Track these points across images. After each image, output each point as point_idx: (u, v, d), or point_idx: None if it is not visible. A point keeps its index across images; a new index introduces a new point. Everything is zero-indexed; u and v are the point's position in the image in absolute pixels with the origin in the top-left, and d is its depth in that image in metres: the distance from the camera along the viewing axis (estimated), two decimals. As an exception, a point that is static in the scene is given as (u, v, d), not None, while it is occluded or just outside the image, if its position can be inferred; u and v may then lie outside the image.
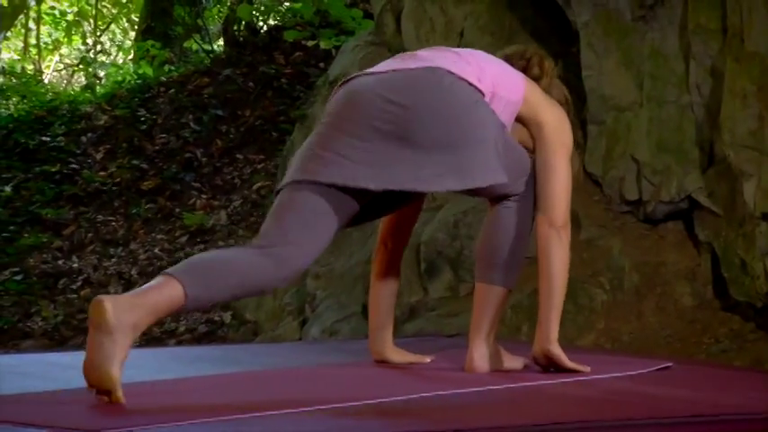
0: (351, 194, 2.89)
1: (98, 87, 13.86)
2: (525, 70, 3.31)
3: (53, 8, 19.45)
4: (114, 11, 20.12)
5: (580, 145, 6.88)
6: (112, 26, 20.56)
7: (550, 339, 3.13)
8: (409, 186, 2.91)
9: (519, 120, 3.20)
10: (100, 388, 2.42)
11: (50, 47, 20.76)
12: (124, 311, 2.46)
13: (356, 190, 2.89)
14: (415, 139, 2.89)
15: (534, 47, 3.57)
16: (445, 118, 2.92)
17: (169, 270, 2.64)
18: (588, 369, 3.17)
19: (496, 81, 3.10)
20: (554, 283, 3.13)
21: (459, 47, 7.61)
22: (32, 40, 20.08)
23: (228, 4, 14.43)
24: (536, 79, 3.31)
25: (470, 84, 2.99)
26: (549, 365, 3.14)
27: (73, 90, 15.32)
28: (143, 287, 2.59)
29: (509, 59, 3.34)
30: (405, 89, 2.95)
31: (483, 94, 3.02)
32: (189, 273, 2.63)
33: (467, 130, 2.94)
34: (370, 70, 3.12)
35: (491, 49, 7.10)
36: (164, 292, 2.56)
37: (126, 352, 2.46)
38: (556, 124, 3.21)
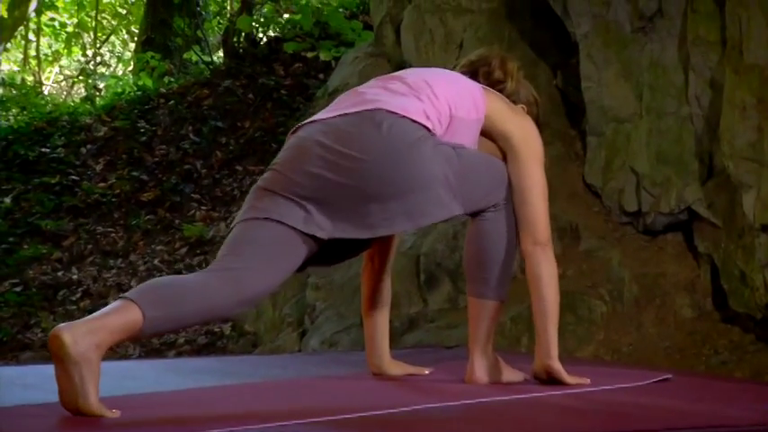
0: (304, 235, 2.86)
1: (98, 99, 13.87)
2: (488, 75, 3.29)
3: (53, 20, 19.46)
4: (114, 22, 20.14)
5: (579, 156, 6.91)
6: (112, 38, 20.58)
7: (551, 355, 3.12)
8: (357, 234, 2.88)
9: (484, 134, 3.16)
10: (85, 416, 2.42)
11: (50, 58, 20.78)
12: (83, 337, 2.43)
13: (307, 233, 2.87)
14: (358, 187, 2.85)
15: (497, 49, 3.52)
16: (386, 167, 2.87)
17: (126, 294, 2.60)
18: (588, 381, 3.17)
19: (454, 104, 3.05)
20: (547, 302, 3.13)
21: (458, 58, 7.64)
22: (32, 52, 20.09)
23: (228, 15, 14.46)
24: (500, 82, 3.29)
25: (413, 121, 2.93)
26: (550, 381, 3.13)
27: (73, 101, 15.32)
28: (101, 311, 2.54)
29: (473, 65, 3.32)
30: (345, 137, 2.90)
31: (429, 129, 2.95)
32: (146, 296, 2.58)
33: (409, 175, 2.88)
34: (315, 117, 3.05)
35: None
36: (121, 315, 2.52)
37: (96, 374, 2.44)
38: (523, 133, 3.17)
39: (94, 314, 2.53)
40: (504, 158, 3.19)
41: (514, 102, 3.30)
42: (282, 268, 2.84)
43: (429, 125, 2.96)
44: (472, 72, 3.32)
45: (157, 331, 2.62)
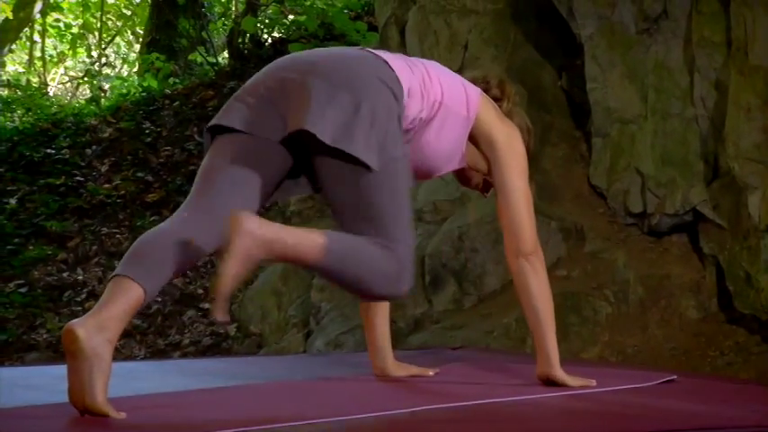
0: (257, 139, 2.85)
1: (103, 100, 13.89)
2: (486, 92, 3.23)
3: (58, 21, 19.48)
4: (119, 23, 20.15)
5: (584, 157, 6.91)
6: (117, 39, 20.59)
7: (551, 365, 3.11)
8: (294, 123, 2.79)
9: (471, 139, 3.13)
10: (91, 414, 2.42)
11: (55, 59, 20.80)
12: (96, 333, 2.44)
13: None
14: (306, 79, 2.82)
15: (498, 71, 3.52)
16: (338, 65, 2.85)
17: (119, 271, 2.58)
18: (593, 383, 3.16)
19: (446, 91, 3.01)
20: (540, 315, 3.11)
21: (463, 59, 7.65)
22: (37, 53, 20.10)
23: (233, 16, 14.47)
24: (496, 100, 3.25)
25: (393, 71, 2.89)
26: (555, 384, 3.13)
27: (78, 103, 15.33)
28: (103, 300, 2.53)
29: (473, 80, 3.26)
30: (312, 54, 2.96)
31: (401, 90, 2.87)
32: (137, 267, 2.57)
33: (355, 77, 2.82)
34: None
35: (496, 62, 7.16)
36: (125, 299, 2.51)
37: (107, 372, 2.44)
38: (508, 141, 3.14)
39: (99, 305, 2.51)
40: (489, 169, 3.18)
41: None
42: (254, 183, 2.82)
43: (405, 88, 2.88)
44: None
45: (154, 296, 2.62)
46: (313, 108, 2.74)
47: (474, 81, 3.26)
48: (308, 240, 2.60)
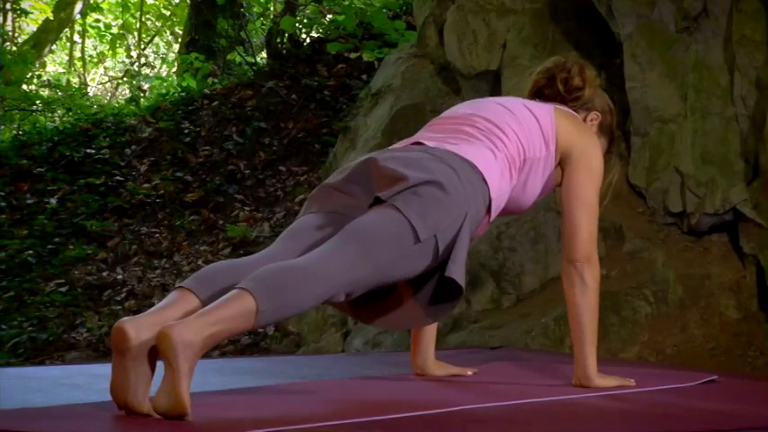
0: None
1: (142, 100, 13.98)
2: (567, 81, 3.30)
3: (98, 21, 19.62)
4: (158, 24, 20.26)
5: (623, 157, 6.89)
6: (156, 39, 20.71)
7: (588, 376, 3.10)
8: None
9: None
10: (132, 412, 2.43)
11: (95, 60, 20.95)
12: (146, 331, 2.44)
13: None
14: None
15: (575, 56, 3.55)
16: (429, 164, 2.90)
17: (185, 284, 2.61)
18: (633, 382, 3.16)
19: (525, 144, 3.09)
20: (581, 327, 3.10)
21: (501, 59, 7.63)
22: (77, 53, 20.26)
23: (272, 16, 14.51)
24: (578, 89, 3.30)
25: (478, 171, 2.95)
26: None
27: (117, 103, 15.45)
28: (160, 305, 2.56)
29: (550, 72, 3.34)
30: (404, 157, 2.96)
31: (489, 196, 2.96)
32: (202, 284, 2.61)
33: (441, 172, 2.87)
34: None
35: (534, 62, 7.13)
36: (179, 304, 2.55)
37: (150, 373, 2.46)
38: (584, 148, 3.16)
39: (155, 308, 2.54)
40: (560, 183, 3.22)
41: (588, 109, 3.35)
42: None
43: (493, 192, 2.96)
44: (549, 79, 3.35)
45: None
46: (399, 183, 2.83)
47: (552, 71, 3.33)
48: (241, 312, 2.49)
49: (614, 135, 3.48)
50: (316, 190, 3.03)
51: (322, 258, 2.66)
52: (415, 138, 3.12)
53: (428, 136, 3.10)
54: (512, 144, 3.06)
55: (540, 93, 3.37)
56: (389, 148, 3.11)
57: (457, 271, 2.80)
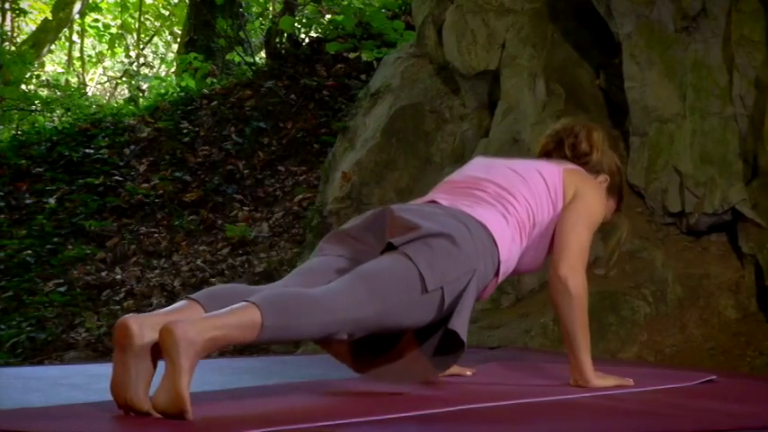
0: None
1: (141, 100, 13.98)
2: (574, 146, 3.40)
3: (97, 21, 19.62)
4: (157, 24, 20.27)
5: (622, 157, 6.88)
6: (155, 39, 20.72)
7: (586, 378, 3.13)
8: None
9: None
10: (131, 409, 2.43)
11: (94, 59, 20.96)
12: (149, 330, 2.45)
13: None
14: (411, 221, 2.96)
15: (582, 120, 3.62)
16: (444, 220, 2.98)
17: (195, 296, 2.65)
18: (631, 382, 3.17)
19: (534, 208, 3.19)
20: (571, 335, 3.12)
21: (500, 59, 7.64)
22: (76, 53, 20.26)
23: (270, 16, 14.51)
24: (585, 154, 3.39)
25: (490, 234, 3.04)
26: None
27: (116, 102, 15.46)
28: (170, 307, 2.59)
29: (558, 135, 3.43)
30: (419, 210, 3.05)
31: (499, 258, 3.05)
32: (209, 298, 2.64)
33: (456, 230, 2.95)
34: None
35: (533, 61, 7.13)
36: (182, 311, 2.57)
37: (151, 371, 2.47)
38: (587, 191, 3.27)
39: (160, 310, 2.57)
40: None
41: (597, 172, 3.43)
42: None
43: (503, 256, 3.06)
44: (557, 143, 3.45)
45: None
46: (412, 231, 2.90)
47: (560, 134, 3.44)
48: (246, 323, 2.52)
49: (623, 194, 3.58)
50: (329, 234, 3.11)
51: (330, 292, 2.70)
52: (430, 197, 3.21)
53: (442, 196, 3.19)
54: (522, 209, 3.16)
55: (549, 155, 3.46)
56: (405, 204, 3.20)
57: (461, 325, 2.85)
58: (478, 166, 3.36)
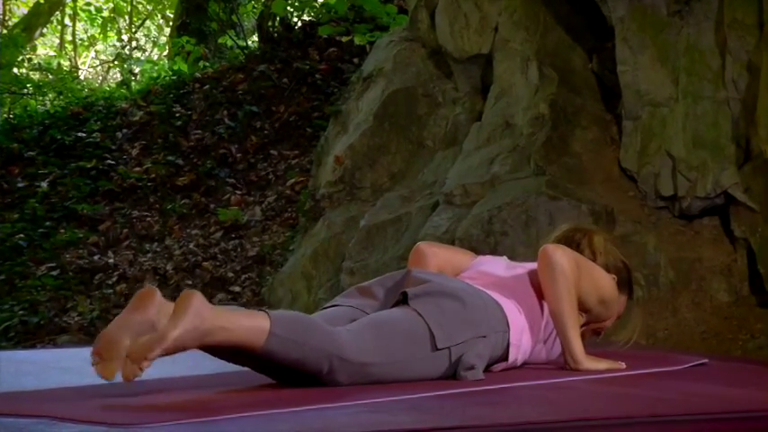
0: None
1: (133, 83, 13.95)
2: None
3: (89, 4, 19.58)
4: (149, 7, 20.22)
5: (615, 140, 6.90)
6: (147, 22, 20.67)
7: (577, 360, 3.12)
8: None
9: None
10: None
11: (86, 43, 20.90)
12: (164, 305, 2.48)
13: None
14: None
15: (581, 226, 3.62)
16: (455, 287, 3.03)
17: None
18: (623, 365, 3.17)
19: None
20: (557, 313, 3.13)
21: (493, 42, 7.64)
22: (68, 37, 20.22)
23: (263, 0, 14.47)
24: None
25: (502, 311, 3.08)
26: None
27: (108, 86, 15.43)
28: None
29: (560, 242, 3.39)
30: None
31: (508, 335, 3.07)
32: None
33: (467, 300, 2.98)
34: None
35: (526, 45, 7.13)
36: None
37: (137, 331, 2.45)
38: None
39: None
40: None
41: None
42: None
43: (519, 325, 3.10)
44: None
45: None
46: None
47: (562, 241, 3.38)
48: (255, 327, 2.54)
49: (633, 287, 3.56)
50: (347, 290, 3.19)
51: (341, 332, 2.72)
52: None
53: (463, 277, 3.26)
54: (536, 307, 3.18)
55: None
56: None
57: (472, 375, 2.88)
58: (495, 265, 3.40)
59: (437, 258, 3.41)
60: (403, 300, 2.92)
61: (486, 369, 3.00)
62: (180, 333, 2.37)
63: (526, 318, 3.14)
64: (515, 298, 3.16)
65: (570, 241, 3.39)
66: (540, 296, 3.19)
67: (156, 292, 2.50)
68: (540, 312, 3.20)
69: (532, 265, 3.31)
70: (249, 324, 2.51)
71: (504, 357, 3.08)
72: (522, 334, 3.12)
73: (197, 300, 2.43)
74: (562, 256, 3.11)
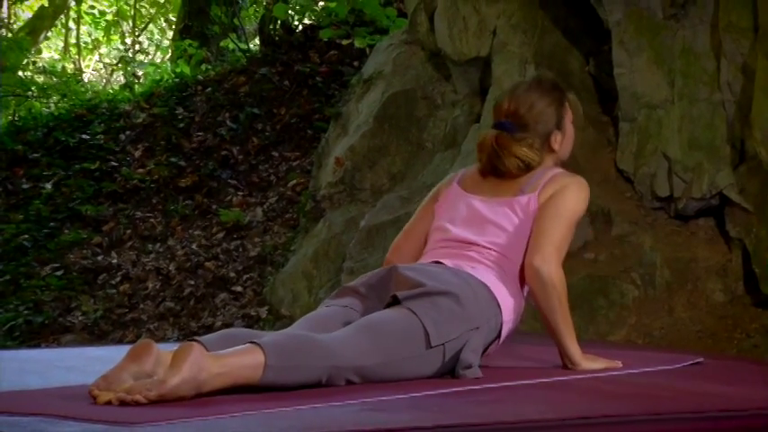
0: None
1: (136, 86, 13.96)
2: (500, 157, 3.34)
3: (93, 8, 19.58)
4: (152, 11, 20.24)
5: (611, 142, 6.94)
6: (150, 26, 20.68)
7: (574, 362, 3.16)
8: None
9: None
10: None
11: (90, 46, 20.91)
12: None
13: None
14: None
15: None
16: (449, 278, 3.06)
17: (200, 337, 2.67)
18: (620, 364, 3.21)
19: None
20: (552, 324, 3.15)
21: (491, 45, 7.67)
22: (72, 40, 20.23)
23: (264, 3, 14.50)
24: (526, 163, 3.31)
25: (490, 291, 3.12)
26: None
27: (112, 89, 15.44)
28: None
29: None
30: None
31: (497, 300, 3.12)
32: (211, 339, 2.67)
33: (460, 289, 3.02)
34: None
35: (524, 48, 7.16)
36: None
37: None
38: (562, 189, 3.26)
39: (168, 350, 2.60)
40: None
41: (548, 142, 3.40)
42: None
43: (508, 301, 3.16)
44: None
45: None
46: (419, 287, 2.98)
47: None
48: (249, 364, 2.56)
49: (563, 93, 3.49)
50: (338, 290, 3.20)
51: (335, 340, 2.75)
52: (433, 257, 3.25)
53: (444, 257, 3.23)
54: (517, 263, 3.21)
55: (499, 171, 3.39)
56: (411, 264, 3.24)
57: (471, 373, 2.94)
58: (463, 223, 3.33)
59: (407, 256, 3.42)
60: (395, 301, 2.95)
61: (483, 352, 3.06)
62: (178, 382, 2.40)
63: (513, 279, 3.20)
64: (497, 263, 3.20)
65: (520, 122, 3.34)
66: (518, 245, 3.22)
67: (152, 345, 2.53)
68: (519, 259, 3.22)
69: (494, 210, 3.30)
70: (244, 362, 2.54)
71: (498, 335, 3.14)
72: (514, 302, 3.18)
73: (196, 351, 2.46)
74: (550, 272, 3.11)
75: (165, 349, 2.56)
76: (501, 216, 3.28)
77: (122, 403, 2.36)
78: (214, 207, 9.75)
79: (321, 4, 13.03)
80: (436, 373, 2.95)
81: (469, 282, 3.06)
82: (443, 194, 3.45)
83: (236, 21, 14.18)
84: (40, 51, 18.71)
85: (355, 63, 10.99)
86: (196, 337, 2.63)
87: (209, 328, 7.78)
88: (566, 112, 3.46)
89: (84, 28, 20.26)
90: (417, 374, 2.90)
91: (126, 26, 20.25)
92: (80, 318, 8.30)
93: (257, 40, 13.95)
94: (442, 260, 3.20)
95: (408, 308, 2.90)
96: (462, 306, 2.96)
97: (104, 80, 19.47)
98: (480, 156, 3.36)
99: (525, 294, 3.26)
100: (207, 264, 8.82)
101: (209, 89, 11.62)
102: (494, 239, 3.24)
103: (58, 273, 8.93)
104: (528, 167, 3.30)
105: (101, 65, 20.89)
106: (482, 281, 3.10)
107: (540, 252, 3.14)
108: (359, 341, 2.77)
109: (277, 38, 12.34)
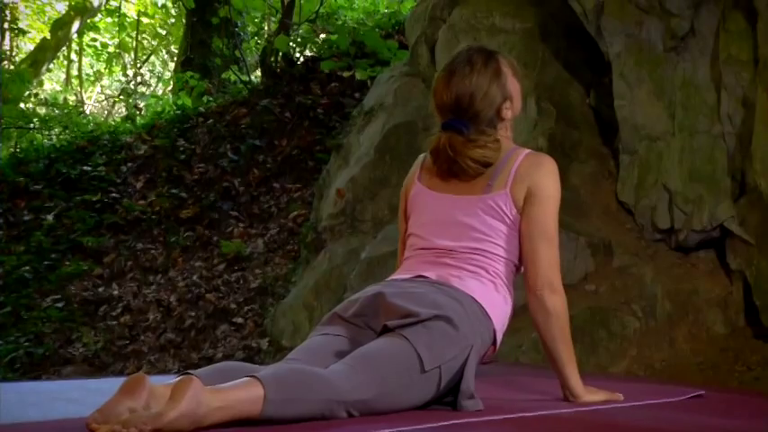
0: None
1: (138, 118, 14.00)
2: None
3: (95, 40, 19.67)
4: (154, 43, 20.31)
5: (612, 174, 6.94)
6: (152, 58, 20.75)
7: (575, 394, 3.13)
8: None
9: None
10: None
11: (92, 78, 20.99)
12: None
13: None
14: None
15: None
16: (435, 296, 3.03)
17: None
18: (621, 397, 3.19)
19: (510, 250, 3.19)
20: (553, 352, 3.12)
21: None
22: (74, 72, 20.30)
23: (266, 35, 14.56)
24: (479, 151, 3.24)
25: (474, 299, 3.08)
26: None
27: (113, 120, 15.48)
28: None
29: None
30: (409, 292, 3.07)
31: (482, 306, 3.09)
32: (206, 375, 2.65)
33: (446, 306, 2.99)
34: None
35: (525, 81, 7.19)
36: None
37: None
38: (537, 184, 3.20)
39: (164, 381, 2.58)
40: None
41: (498, 112, 3.35)
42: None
43: (498, 307, 3.14)
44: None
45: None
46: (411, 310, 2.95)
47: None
48: (248, 398, 2.54)
49: (501, 61, 3.42)
50: (326, 316, 3.15)
51: (333, 373, 2.73)
52: (417, 271, 3.20)
53: (426, 268, 3.20)
54: (500, 263, 3.18)
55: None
56: (394, 278, 3.21)
57: (473, 405, 2.91)
58: (438, 228, 3.27)
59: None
60: (387, 329, 2.94)
61: (480, 360, 3.06)
62: (176, 416, 2.38)
63: (501, 282, 3.17)
64: (481, 267, 3.17)
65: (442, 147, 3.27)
66: (497, 244, 3.18)
67: (145, 379, 2.50)
68: (507, 262, 3.19)
69: (466, 211, 3.23)
70: (243, 397, 2.51)
71: (493, 342, 3.13)
72: (504, 306, 3.17)
73: (195, 385, 2.44)
74: (554, 301, 3.09)
75: (162, 382, 2.55)
76: (473, 217, 3.22)
77: None
78: (215, 238, 9.76)
79: (322, 36, 13.08)
80: (435, 396, 2.93)
81: (458, 298, 3.03)
82: (411, 194, 3.40)
83: (237, 53, 14.23)
84: (41, 83, 18.78)
85: (356, 95, 11.03)
86: (191, 371, 2.62)
87: (210, 360, 7.77)
88: (506, 79, 3.39)
89: (85, 60, 20.36)
90: (417, 400, 2.89)
91: (128, 58, 20.32)
92: (81, 349, 8.29)
93: (259, 72, 14.00)
94: (424, 273, 3.16)
95: (401, 335, 2.88)
96: (455, 327, 2.94)
97: (106, 112, 19.53)
98: (437, 161, 3.27)
99: (512, 289, 3.23)
100: (208, 295, 8.82)
101: (211, 121, 11.66)
102: (470, 243, 3.20)
103: (59, 304, 8.92)
104: (487, 165, 3.23)
105: (102, 97, 20.95)
106: (468, 293, 3.07)
107: (541, 278, 3.10)
108: (356, 374, 2.75)
109: (278, 70, 12.38)
